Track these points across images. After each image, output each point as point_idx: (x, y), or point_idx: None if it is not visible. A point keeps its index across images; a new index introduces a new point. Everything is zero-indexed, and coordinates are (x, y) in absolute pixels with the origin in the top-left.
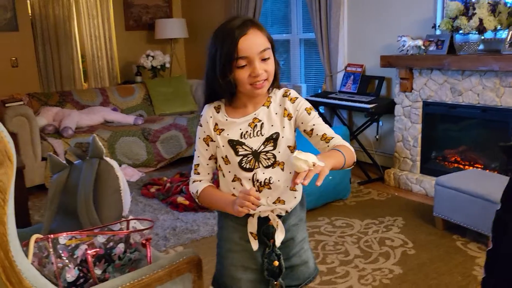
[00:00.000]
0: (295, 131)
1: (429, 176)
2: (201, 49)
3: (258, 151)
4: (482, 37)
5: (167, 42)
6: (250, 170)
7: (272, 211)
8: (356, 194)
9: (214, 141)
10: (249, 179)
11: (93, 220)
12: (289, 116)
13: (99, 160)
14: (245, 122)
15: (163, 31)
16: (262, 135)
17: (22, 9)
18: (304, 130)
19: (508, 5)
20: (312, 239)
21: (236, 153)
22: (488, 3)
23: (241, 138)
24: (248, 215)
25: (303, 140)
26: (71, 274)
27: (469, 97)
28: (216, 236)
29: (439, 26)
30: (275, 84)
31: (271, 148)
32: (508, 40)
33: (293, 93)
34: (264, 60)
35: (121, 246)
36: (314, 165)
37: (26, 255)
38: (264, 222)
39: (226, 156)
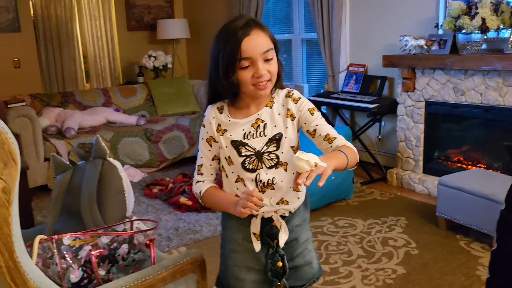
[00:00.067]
0: (298, 131)
1: (431, 176)
2: (203, 49)
3: (261, 151)
4: (485, 37)
5: (169, 42)
6: (253, 170)
7: (275, 211)
8: (358, 194)
9: (217, 142)
10: (252, 180)
11: (97, 221)
12: (292, 117)
13: (102, 161)
14: (248, 123)
15: (165, 31)
16: (265, 136)
17: (24, 10)
18: (307, 131)
19: (511, 4)
20: (315, 239)
21: (239, 153)
22: (491, 2)
23: (244, 138)
24: (252, 216)
25: (306, 140)
26: (75, 275)
27: (472, 96)
28: (219, 236)
29: (441, 25)
30: (278, 84)
31: (274, 148)
32: (511, 39)
33: (296, 93)
34: (267, 60)
35: (125, 247)
36: (316, 166)
37: (31, 256)
38: (267, 222)
39: (229, 157)
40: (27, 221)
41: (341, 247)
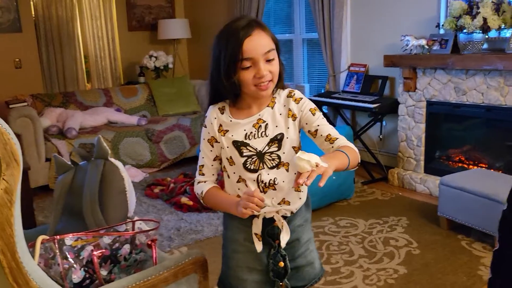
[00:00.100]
0: (299, 131)
1: (433, 176)
2: (204, 49)
3: (263, 152)
4: (486, 36)
5: (170, 42)
6: (254, 171)
7: (277, 212)
8: (360, 194)
9: (219, 142)
10: (254, 180)
11: (99, 221)
12: (294, 117)
13: (104, 161)
14: (250, 123)
15: (166, 31)
16: (267, 136)
17: (25, 10)
18: (309, 131)
19: None
20: (317, 239)
21: (241, 154)
22: (492, 2)
23: (246, 139)
24: (253, 216)
25: (308, 140)
26: (77, 275)
27: (473, 96)
28: (220, 236)
29: (442, 25)
30: (280, 84)
31: (276, 149)
32: None
33: (297, 93)
34: (268, 61)
35: (126, 247)
36: (317, 166)
37: (33, 256)
38: (269, 223)
39: (230, 157)
40: (29, 222)
41: (343, 247)
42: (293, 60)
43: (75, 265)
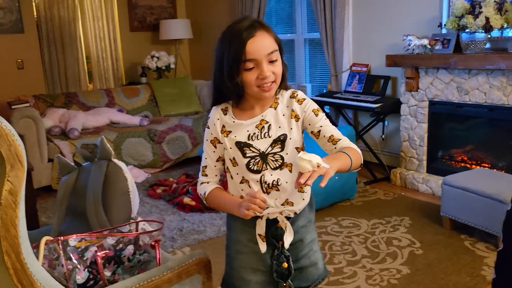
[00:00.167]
0: (302, 132)
1: (435, 176)
2: (205, 49)
3: (266, 152)
4: (489, 36)
5: (171, 42)
6: (257, 172)
7: (280, 213)
8: (362, 194)
9: (222, 143)
10: (257, 181)
11: (102, 222)
12: (297, 118)
13: (107, 162)
14: (253, 124)
15: (167, 31)
16: (270, 137)
17: (27, 11)
18: (312, 132)
19: None
20: (319, 239)
21: (244, 155)
22: (495, 1)
23: (249, 140)
24: (257, 217)
25: (311, 141)
26: (81, 276)
27: (476, 96)
28: (223, 236)
29: (445, 25)
30: (283, 85)
31: (279, 149)
32: None
33: (300, 94)
34: (271, 62)
35: (130, 248)
36: (318, 166)
37: (37, 257)
38: (272, 224)
39: (233, 158)
40: (32, 222)
41: (345, 247)
42: (295, 60)
43: (79, 266)
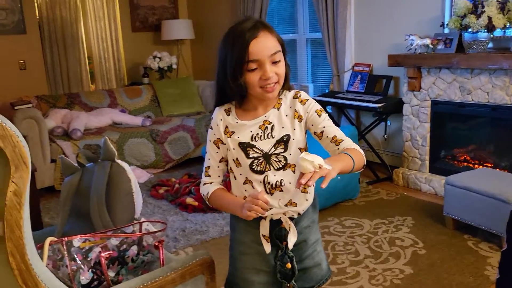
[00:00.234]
0: (305, 133)
1: (438, 176)
2: (207, 50)
3: (269, 153)
4: (491, 35)
5: (173, 43)
6: (261, 172)
7: (284, 213)
8: (365, 194)
9: (225, 144)
10: (260, 182)
11: (106, 223)
12: (300, 118)
13: (111, 163)
14: (256, 125)
15: (169, 32)
16: (273, 138)
17: (29, 12)
18: (314, 132)
19: None
20: (322, 240)
21: (247, 155)
22: (497, 1)
23: (252, 140)
24: (260, 218)
25: (314, 142)
26: (85, 277)
27: (479, 95)
28: (226, 237)
29: (447, 24)
30: (286, 86)
31: (282, 150)
32: None
33: (303, 95)
34: (274, 63)
35: (134, 249)
36: (320, 167)
37: (41, 258)
38: (276, 224)
39: (237, 159)
40: (36, 223)
41: (348, 247)
42: (297, 60)
43: (83, 267)
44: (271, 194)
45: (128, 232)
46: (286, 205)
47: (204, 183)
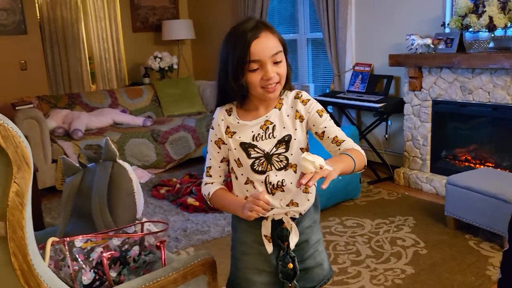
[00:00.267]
0: (307, 133)
1: (439, 175)
2: (208, 50)
3: (270, 153)
4: (492, 35)
5: (174, 43)
6: (262, 172)
7: (286, 213)
8: (366, 193)
9: (226, 144)
10: (262, 182)
11: (108, 223)
12: (301, 118)
13: (112, 163)
14: (257, 125)
15: (170, 32)
16: (274, 138)
17: (30, 12)
18: (316, 133)
19: None
20: (323, 239)
21: (248, 155)
22: (498, 0)
23: (253, 140)
24: (262, 218)
25: (316, 142)
26: (87, 277)
27: (480, 95)
28: (227, 237)
29: (448, 24)
30: (287, 86)
31: (283, 150)
32: None
33: (305, 95)
34: (276, 63)
35: (135, 249)
36: (321, 168)
37: (43, 258)
38: (278, 224)
39: (238, 159)
40: (37, 223)
41: (349, 247)
42: (298, 60)
43: (85, 267)
44: (273, 194)
45: (129, 232)
46: (287, 205)
47: (206, 183)
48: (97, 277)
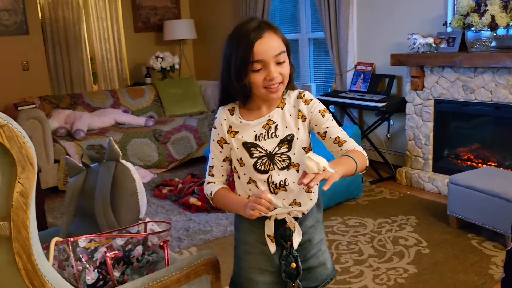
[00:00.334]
0: (309, 132)
1: (441, 174)
2: (209, 50)
3: (273, 153)
4: (494, 34)
5: (175, 43)
6: (265, 172)
7: (288, 213)
8: (368, 193)
9: (228, 143)
10: (264, 181)
11: (111, 223)
12: (303, 118)
13: (115, 163)
14: (259, 124)
15: (171, 32)
16: (277, 137)
17: (32, 12)
18: (318, 133)
19: None
20: (326, 239)
21: (251, 155)
22: None
23: (256, 140)
24: (265, 218)
25: (318, 141)
26: (90, 277)
27: (482, 94)
28: (229, 236)
29: (450, 23)
30: (290, 85)
31: (286, 150)
32: None
33: (307, 94)
34: (279, 63)
35: (139, 248)
36: (324, 170)
37: (47, 258)
38: (281, 224)
39: (240, 159)
40: (40, 223)
41: (352, 247)
42: (299, 59)
43: (88, 267)
44: (275, 193)
45: (133, 232)
46: (290, 204)
47: (208, 183)
48: (100, 277)
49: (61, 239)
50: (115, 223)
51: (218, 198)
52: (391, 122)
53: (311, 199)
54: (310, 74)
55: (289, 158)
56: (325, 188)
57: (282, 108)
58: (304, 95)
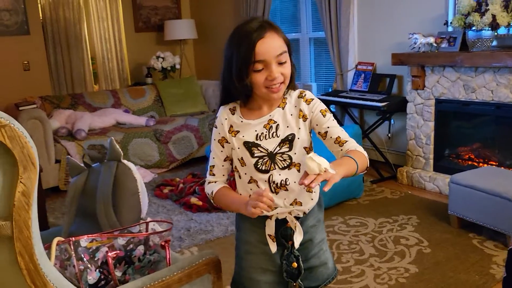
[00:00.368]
0: (310, 132)
1: (442, 174)
2: (210, 49)
3: (274, 152)
4: (495, 33)
5: (176, 43)
6: (266, 171)
7: (289, 213)
8: (369, 193)
9: (229, 143)
10: (265, 181)
11: (112, 223)
12: (304, 118)
13: (117, 163)
14: (260, 124)
15: (172, 32)
16: (278, 137)
17: (33, 13)
18: (319, 132)
19: None
20: (327, 238)
21: (252, 155)
22: None
23: (257, 139)
24: (266, 217)
25: (319, 141)
26: (92, 276)
27: (483, 94)
28: (230, 236)
29: (451, 23)
30: (291, 85)
31: (287, 149)
32: None
33: (308, 94)
34: (281, 63)
35: (140, 248)
36: (325, 171)
37: (49, 258)
38: (282, 224)
39: (241, 158)
40: (42, 223)
41: (353, 246)
42: (300, 59)
43: (90, 266)
44: (276, 193)
45: (134, 232)
46: (291, 204)
47: (209, 182)
48: (102, 277)
49: (63, 239)
50: (117, 223)
51: (219, 198)
52: (392, 121)
53: (312, 199)
54: (311, 73)
55: (290, 158)
56: (326, 189)
57: (283, 108)
58: (305, 95)
